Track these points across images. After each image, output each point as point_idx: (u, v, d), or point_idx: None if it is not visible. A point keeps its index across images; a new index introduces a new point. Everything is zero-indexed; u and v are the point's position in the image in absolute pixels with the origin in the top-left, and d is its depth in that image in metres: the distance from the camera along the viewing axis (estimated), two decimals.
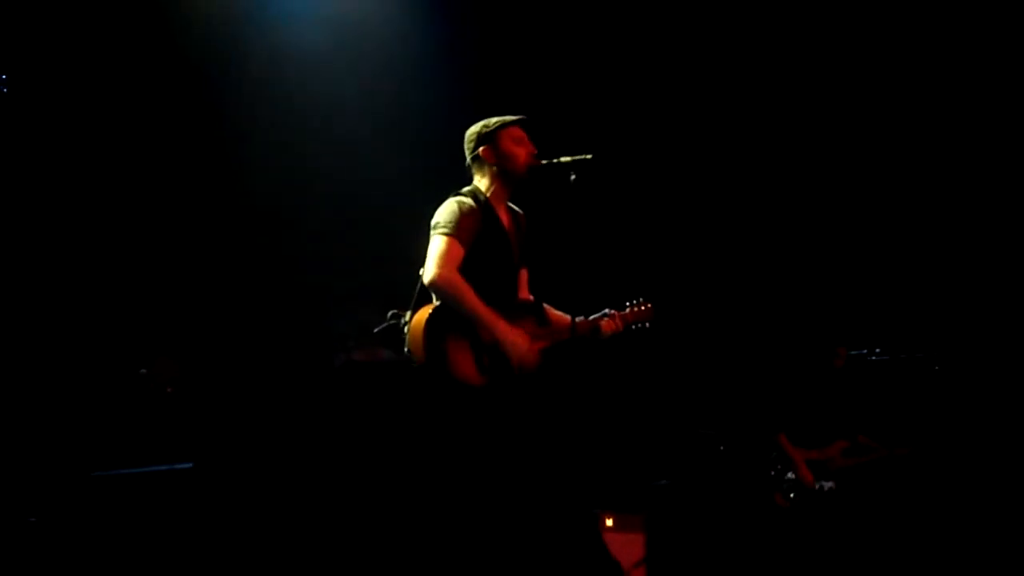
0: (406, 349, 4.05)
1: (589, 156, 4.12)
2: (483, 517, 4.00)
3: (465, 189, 4.21)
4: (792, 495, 6.02)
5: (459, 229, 4.03)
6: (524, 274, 4.38)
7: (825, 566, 5.80)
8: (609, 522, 5.84)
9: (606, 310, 4.42)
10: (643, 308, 4.48)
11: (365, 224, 6.85)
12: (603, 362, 6.26)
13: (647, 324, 4.48)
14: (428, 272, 3.99)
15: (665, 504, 6.15)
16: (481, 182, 4.24)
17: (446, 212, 4.08)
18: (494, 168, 4.21)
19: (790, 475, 6.06)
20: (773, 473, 6.06)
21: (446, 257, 3.98)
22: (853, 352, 6.15)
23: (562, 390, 4.55)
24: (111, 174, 6.47)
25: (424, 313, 4.00)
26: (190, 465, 5.35)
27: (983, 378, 6.54)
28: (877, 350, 6.10)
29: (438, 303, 4.02)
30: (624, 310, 4.46)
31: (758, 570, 5.92)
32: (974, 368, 6.51)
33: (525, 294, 4.38)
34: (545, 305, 4.33)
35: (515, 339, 4.03)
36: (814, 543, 5.90)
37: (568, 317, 4.22)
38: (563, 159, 4.16)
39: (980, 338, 6.64)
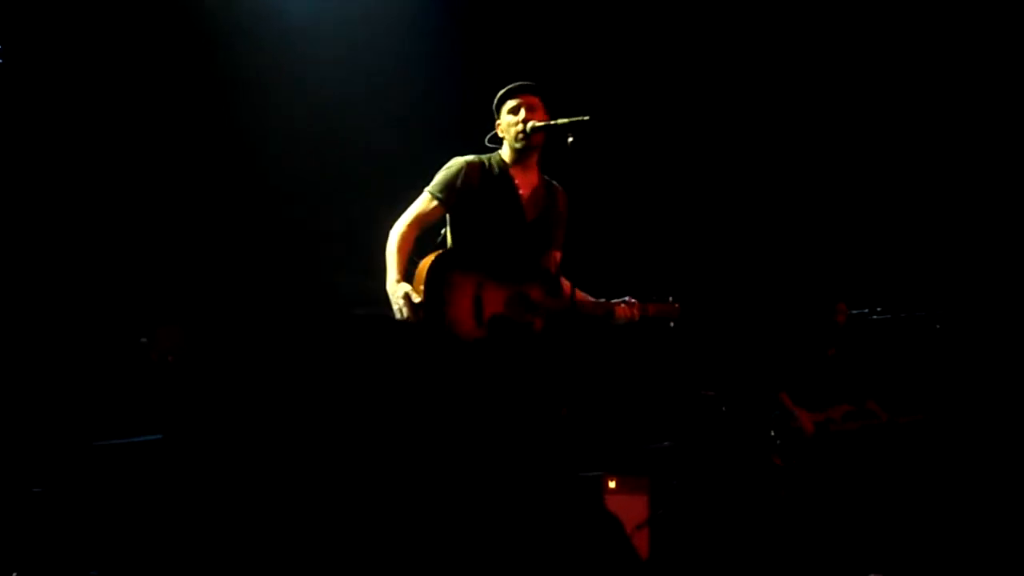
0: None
1: (587, 118, 4.12)
2: (473, 477, 4.01)
3: (488, 153, 4.36)
4: (789, 453, 6.02)
5: (440, 189, 4.20)
6: (557, 256, 4.39)
7: (827, 527, 5.82)
8: (612, 484, 5.85)
9: (627, 297, 4.43)
10: (670, 308, 4.50)
11: (370, 186, 6.81)
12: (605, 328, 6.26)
13: (672, 323, 4.50)
14: None
15: (669, 466, 6.16)
16: (503, 148, 4.37)
17: (439, 172, 4.24)
18: (502, 137, 4.35)
19: (789, 425, 6.05)
20: (773, 434, 6.06)
21: (410, 212, 4.20)
22: (854, 311, 6.14)
23: (560, 353, 4.54)
24: (109, 139, 6.42)
25: (431, 256, 4.08)
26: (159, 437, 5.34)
27: (984, 337, 6.54)
28: (878, 309, 6.09)
29: (441, 250, 4.13)
30: (647, 302, 4.47)
31: (761, 531, 5.93)
32: (975, 327, 6.50)
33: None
34: (577, 290, 4.34)
35: (395, 290, 4.03)
36: (816, 505, 5.92)
37: (591, 299, 4.35)
38: (560, 121, 4.15)
39: (981, 297, 6.63)
